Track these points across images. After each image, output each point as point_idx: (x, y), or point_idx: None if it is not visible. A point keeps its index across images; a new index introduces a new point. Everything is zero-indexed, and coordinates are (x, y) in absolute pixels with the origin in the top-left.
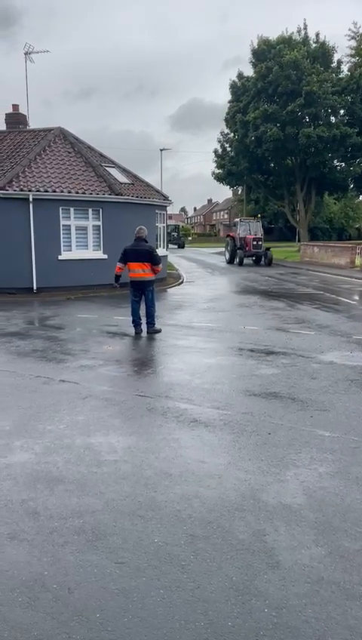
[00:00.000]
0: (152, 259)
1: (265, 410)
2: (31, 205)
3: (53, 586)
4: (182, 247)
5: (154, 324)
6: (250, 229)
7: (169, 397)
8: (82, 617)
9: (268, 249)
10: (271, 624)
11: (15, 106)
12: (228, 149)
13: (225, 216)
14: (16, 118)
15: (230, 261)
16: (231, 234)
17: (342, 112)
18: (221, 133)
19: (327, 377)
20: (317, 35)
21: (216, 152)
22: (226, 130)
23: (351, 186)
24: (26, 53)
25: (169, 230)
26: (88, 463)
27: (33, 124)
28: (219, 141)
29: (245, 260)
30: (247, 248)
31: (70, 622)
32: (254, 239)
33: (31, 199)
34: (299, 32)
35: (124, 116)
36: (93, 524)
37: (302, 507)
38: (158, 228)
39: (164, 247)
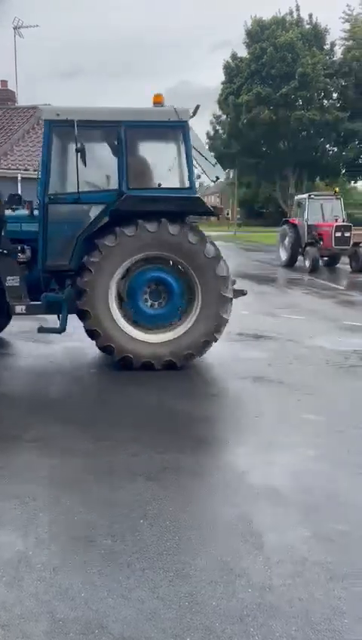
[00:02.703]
0: None
1: (253, 393)
2: (19, 184)
3: (38, 566)
4: None
5: None
6: (324, 211)
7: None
8: (66, 597)
9: (358, 244)
10: (255, 604)
11: (4, 82)
12: (221, 131)
13: (217, 200)
14: (4, 95)
15: (290, 262)
16: (291, 220)
17: (334, 95)
18: (213, 115)
19: (315, 362)
20: (311, 16)
21: (208, 134)
22: (218, 112)
23: (343, 171)
24: (14, 28)
25: None
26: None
27: (22, 100)
28: (212, 123)
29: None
30: (323, 244)
31: (54, 601)
32: (339, 228)
33: (19, 178)
34: (291, 13)
35: (113, 96)
36: (74, 506)
37: (287, 489)
38: None
39: None
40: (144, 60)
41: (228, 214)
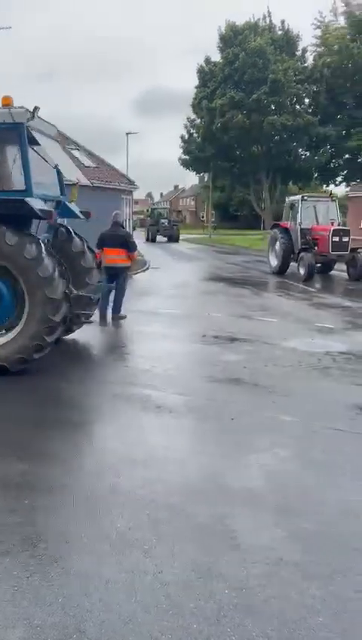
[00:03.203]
0: (128, 245)
1: (228, 395)
2: None
3: (14, 573)
4: (176, 240)
5: (120, 310)
6: (317, 213)
7: (133, 383)
8: (43, 603)
9: (356, 250)
10: (232, 605)
11: None
12: (195, 134)
13: (192, 202)
14: None
15: (281, 269)
16: (282, 224)
17: (306, 101)
18: (187, 118)
19: (289, 364)
20: (283, 22)
21: (182, 137)
22: (193, 116)
23: (316, 175)
24: None
25: (154, 216)
26: None
27: None
28: (186, 127)
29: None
30: (319, 248)
31: (31, 607)
32: (336, 232)
33: None
34: (264, 18)
35: (87, 99)
36: (53, 510)
37: (262, 490)
38: (125, 213)
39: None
40: (119, 63)
41: (203, 217)
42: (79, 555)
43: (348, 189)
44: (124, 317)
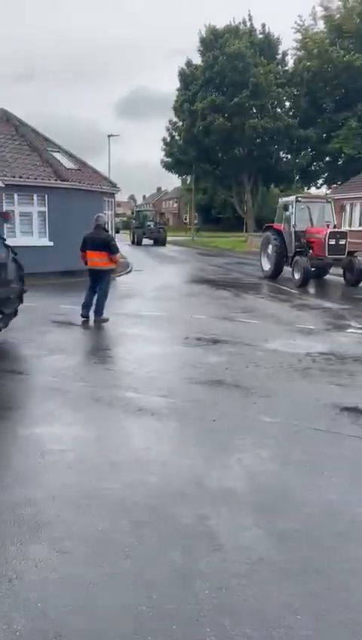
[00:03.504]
0: (109, 248)
1: (210, 397)
2: None
3: None
4: (163, 243)
5: (102, 313)
6: (311, 215)
7: (115, 386)
8: (24, 607)
9: (353, 253)
10: (212, 605)
11: None
12: (177, 137)
13: (175, 205)
14: None
15: (274, 273)
16: (275, 225)
17: (287, 104)
18: (169, 121)
19: (270, 365)
20: (264, 26)
21: (164, 140)
22: (175, 119)
23: (297, 177)
24: None
25: (140, 218)
26: (32, 454)
27: None
28: (168, 129)
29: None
30: (314, 252)
31: (11, 612)
32: (333, 235)
33: None
34: (244, 22)
35: (69, 101)
36: (35, 514)
37: (243, 491)
38: (107, 215)
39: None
40: (101, 65)
41: (185, 219)
42: (60, 558)
43: (328, 191)
44: (107, 320)
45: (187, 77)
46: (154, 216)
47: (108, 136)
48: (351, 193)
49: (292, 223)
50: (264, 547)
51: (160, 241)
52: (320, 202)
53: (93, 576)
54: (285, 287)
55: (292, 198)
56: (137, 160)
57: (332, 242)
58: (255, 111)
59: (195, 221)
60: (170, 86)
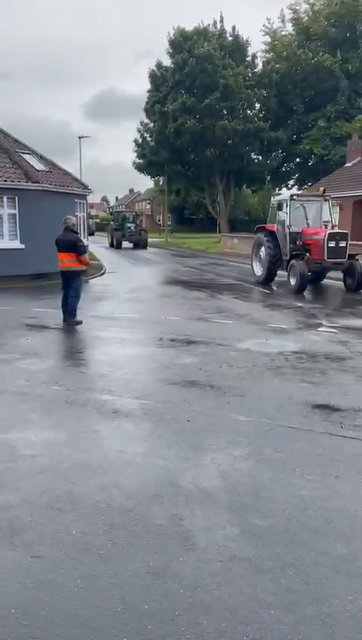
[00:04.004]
0: (77, 249)
1: (185, 398)
2: None
3: None
4: (144, 246)
5: (74, 315)
6: (308, 214)
7: (89, 389)
8: None
9: (354, 256)
10: (186, 604)
11: None
12: (148, 139)
13: (148, 206)
14: None
15: (267, 279)
16: (268, 227)
17: (257, 106)
18: (141, 122)
19: (244, 364)
20: (234, 28)
21: (136, 141)
22: (146, 120)
23: (268, 178)
24: None
25: (119, 219)
26: (4, 459)
27: None
28: (139, 131)
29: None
30: (313, 255)
31: None
32: (332, 236)
33: None
34: (214, 24)
35: (39, 102)
36: (8, 520)
37: (217, 490)
38: (78, 217)
39: (85, 238)
40: (70, 66)
41: (159, 221)
42: (34, 563)
43: (300, 192)
44: (80, 322)
45: (157, 78)
46: (134, 218)
47: (79, 137)
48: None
49: (287, 223)
50: (238, 545)
51: (141, 244)
52: (317, 200)
53: (67, 580)
54: (259, 288)
55: (286, 195)
56: (109, 162)
57: (332, 244)
58: (225, 112)
59: (169, 222)
60: (140, 87)
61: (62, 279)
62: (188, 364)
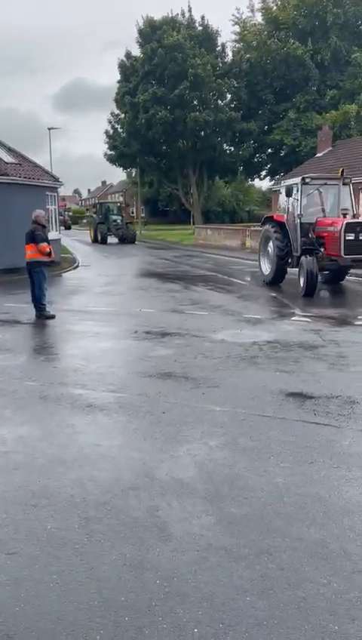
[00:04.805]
0: (34, 238)
1: (160, 390)
2: None
3: None
4: (132, 241)
5: (42, 309)
6: (324, 201)
7: (63, 383)
8: None
9: None
10: (163, 594)
11: None
12: (120, 130)
13: (121, 198)
14: None
15: (275, 278)
16: (277, 216)
17: (228, 96)
18: (111, 113)
19: (218, 355)
20: (203, 17)
21: (107, 132)
22: (117, 111)
23: (241, 169)
24: None
25: (102, 211)
26: None
27: None
28: (110, 122)
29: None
30: (328, 250)
31: None
32: (351, 227)
33: None
34: (183, 14)
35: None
36: None
37: (193, 480)
38: (50, 210)
39: (56, 231)
40: (37, 57)
41: (132, 213)
42: (8, 559)
43: (272, 182)
44: (53, 316)
45: (127, 69)
46: (119, 209)
47: (49, 129)
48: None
49: (297, 212)
50: (213, 534)
51: (128, 239)
52: (334, 184)
53: (42, 576)
54: (235, 279)
55: (297, 179)
56: (80, 153)
57: (351, 237)
58: (196, 103)
59: (142, 215)
60: (108, 78)
61: (27, 272)
62: (163, 356)
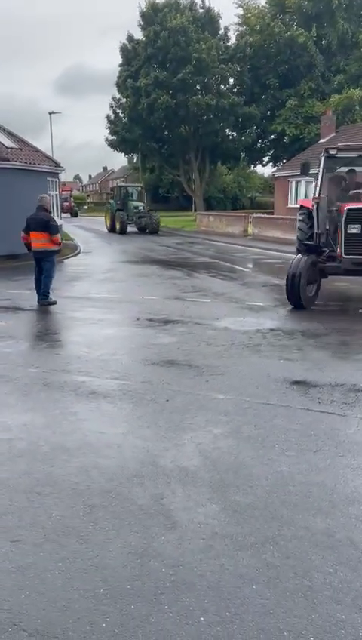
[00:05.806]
0: (49, 228)
1: (163, 377)
2: None
3: None
4: (155, 231)
5: (47, 296)
6: (352, 182)
7: (66, 370)
8: None
9: None
10: (169, 582)
11: None
12: (121, 115)
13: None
14: None
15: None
16: (302, 202)
17: (231, 80)
18: (113, 98)
19: (222, 343)
20: (203, 0)
21: (108, 117)
22: (118, 96)
23: (243, 155)
24: None
25: (121, 196)
26: None
27: None
28: (112, 107)
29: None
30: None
31: None
32: (353, 216)
33: None
34: None
35: (6, 78)
36: None
37: (197, 468)
38: (51, 196)
39: (58, 217)
40: (36, 42)
41: None
42: (13, 547)
43: (274, 169)
44: (54, 302)
45: (129, 52)
46: (140, 195)
47: (50, 113)
48: (296, 171)
49: (315, 194)
50: (219, 522)
51: (151, 229)
52: None
53: (47, 564)
54: (237, 267)
55: (330, 151)
56: (81, 139)
57: (355, 230)
58: (198, 88)
59: (144, 200)
60: (108, 62)
61: (34, 260)
62: (166, 344)
